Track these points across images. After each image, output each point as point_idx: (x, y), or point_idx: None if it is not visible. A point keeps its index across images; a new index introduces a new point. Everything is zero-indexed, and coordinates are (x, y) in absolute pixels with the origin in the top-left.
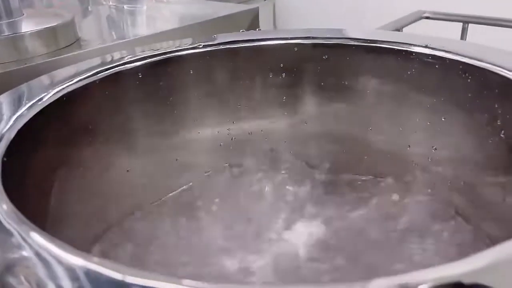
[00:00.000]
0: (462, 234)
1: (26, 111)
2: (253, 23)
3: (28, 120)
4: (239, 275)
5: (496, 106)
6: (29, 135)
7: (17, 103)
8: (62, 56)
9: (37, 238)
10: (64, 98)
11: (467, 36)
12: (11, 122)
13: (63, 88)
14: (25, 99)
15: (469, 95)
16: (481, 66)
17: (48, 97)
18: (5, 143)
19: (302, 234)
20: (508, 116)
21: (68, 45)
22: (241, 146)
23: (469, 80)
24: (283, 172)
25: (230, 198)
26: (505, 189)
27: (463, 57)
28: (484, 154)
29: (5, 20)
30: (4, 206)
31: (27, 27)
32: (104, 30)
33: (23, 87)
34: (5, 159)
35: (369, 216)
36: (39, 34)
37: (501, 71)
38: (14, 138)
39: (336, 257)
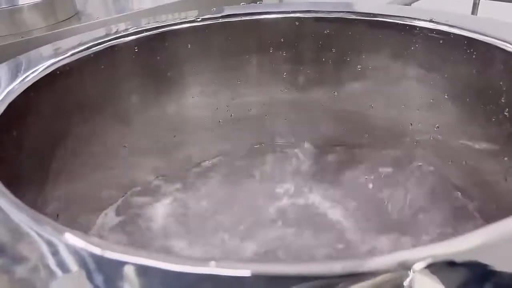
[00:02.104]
0: (460, 211)
1: (18, 86)
2: None
3: (19, 95)
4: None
5: (501, 83)
6: (20, 110)
7: (9, 77)
8: (60, 30)
9: (22, 217)
10: (58, 72)
11: (478, 12)
12: (2, 96)
13: (57, 62)
14: (18, 72)
15: (474, 71)
16: (486, 41)
17: (41, 70)
18: None
19: (300, 204)
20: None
21: (67, 19)
22: (240, 123)
23: (473, 56)
24: (282, 147)
25: (230, 175)
26: (508, 169)
27: (468, 32)
28: (487, 133)
29: None
30: None
31: None
32: (104, 3)
33: (17, 59)
34: None
35: (366, 191)
36: (37, 6)
37: (507, 47)
38: (3, 112)
39: (329, 229)
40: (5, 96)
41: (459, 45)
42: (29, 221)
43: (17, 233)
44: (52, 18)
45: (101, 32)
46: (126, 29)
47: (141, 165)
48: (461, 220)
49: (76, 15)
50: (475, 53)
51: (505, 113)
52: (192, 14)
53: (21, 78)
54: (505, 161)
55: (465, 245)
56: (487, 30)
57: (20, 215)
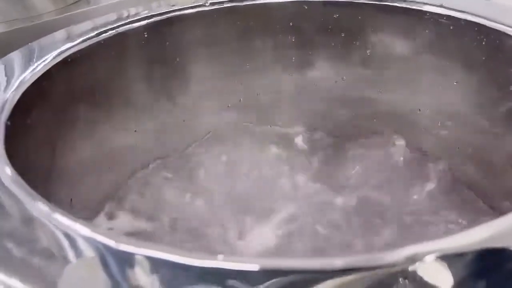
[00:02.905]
0: (466, 199)
1: (30, 74)
2: None
3: (32, 83)
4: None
5: (511, 70)
6: (33, 99)
7: (22, 65)
8: (70, 13)
9: (41, 206)
10: (69, 60)
11: None
12: (16, 85)
13: (68, 49)
14: (31, 60)
15: (483, 58)
16: (497, 28)
17: (53, 58)
18: (9, 106)
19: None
20: None
21: (76, 1)
22: (249, 107)
23: (484, 43)
24: (291, 132)
25: (237, 159)
26: None
27: (479, 18)
28: (496, 122)
29: None
30: (8, 172)
31: None
32: None
33: (30, 46)
34: (9, 123)
35: (373, 176)
36: None
37: None
38: (18, 101)
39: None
40: (19, 85)
41: (469, 31)
42: (45, 213)
43: (33, 224)
44: (61, 1)
45: (111, 17)
46: (136, 14)
47: (152, 149)
48: (463, 205)
49: None
50: (485, 40)
51: None
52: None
53: (33, 66)
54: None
55: (476, 236)
56: (499, 16)
57: (36, 206)
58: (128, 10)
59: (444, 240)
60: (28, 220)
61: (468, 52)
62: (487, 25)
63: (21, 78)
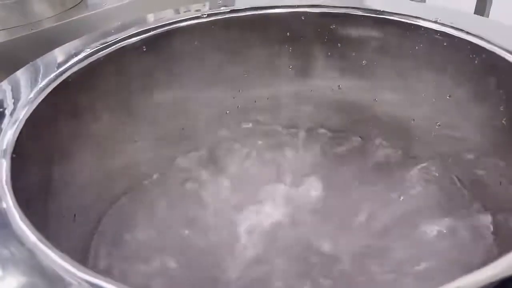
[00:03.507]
0: (453, 206)
1: (34, 96)
2: None
3: (38, 104)
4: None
5: (501, 91)
6: (38, 122)
7: (28, 86)
8: (69, 20)
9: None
10: (70, 79)
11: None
12: (25, 105)
13: (69, 68)
14: (35, 80)
15: (475, 76)
16: (490, 49)
17: (55, 78)
18: (12, 135)
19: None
20: (511, 103)
21: (75, 5)
22: (247, 114)
23: (476, 62)
24: (287, 137)
25: (235, 165)
26: (502, 173)
27: (473, 37)
28: (485, 137)
29: None
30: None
31: None
32: None
33: (33, 65)
34: (14, 155)
35: (367, 180)
36: None
37: (508, 56)
38: (24, 126)
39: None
40: (27, 104)
41: (462, 49)
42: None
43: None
44: (60, 6)
45: (108, 31)
46: (134, 28)
47: (152, 157)
48: (459, 209)
49: (83, 1)
50: (477, 59)
51: (503, 121)
52: (198, 9)
53: (37, 88)
54: (501, 165)
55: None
56: (492, 35)
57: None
58: (125, 25)
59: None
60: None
61: (460, 69)
62: (480, 44)
63: (27, 99)
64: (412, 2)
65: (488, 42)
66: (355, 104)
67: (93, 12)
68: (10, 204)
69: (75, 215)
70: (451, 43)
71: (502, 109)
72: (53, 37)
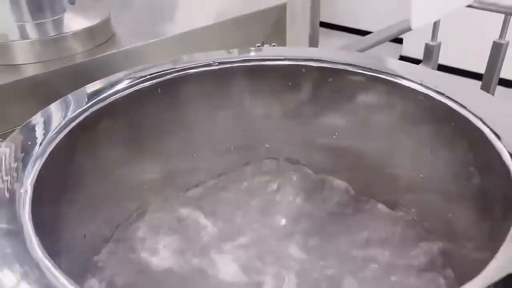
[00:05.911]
0: (428, 254)
1: (62, 128)
2: (281, 19)
3: (57, 144)
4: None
5: (471, 155)
6: (58, 157)
7: (58, 119)
8: (97, 56)
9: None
10: (91, 117)
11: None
12: (42, 147)
13: (92, 105)
14: (65, 113)
15: (452, 138)
16: (463, 114)
17: (80, 113)
18: (36, 169)
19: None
20: (478, 166)
21: (104, 42)
22: (247, 152)
23: (452, 124)
24: (285, 178)
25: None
26: (477, 228)
27: (452, 102)
28: (460, 192)
29: (50, 18)
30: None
31: (68, 27)
32: (139, 25)
33: (65, 99)
34: (36, 185)
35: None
36: (78, 34)
37: (478, 123)
38: (45, 161)
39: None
40: (52, 140)
41: (441, 112)
42: None
43: None
44: (90, 43)
45: (128, 74)
46: (150, 73)
47: (159, 190)
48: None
49: (112, 37)
50: (453, 123)
51: (472, 181)
52: (210, 57)
53: (65, 121)
54: (474, 219)
55: None
56: (473, 105)
57: None
58: (143, 68)
59: None
60: None
61: (438, 129)
62: (457, 110)
63: (55, 131)
64: (406, 64)
65: (466, 108)
66: (346, 152)
67: (120, 50)
68: (29, 228)
69: (84, 235)
70: (433, 106)
71: (471, 170)
72: (83, 71)
